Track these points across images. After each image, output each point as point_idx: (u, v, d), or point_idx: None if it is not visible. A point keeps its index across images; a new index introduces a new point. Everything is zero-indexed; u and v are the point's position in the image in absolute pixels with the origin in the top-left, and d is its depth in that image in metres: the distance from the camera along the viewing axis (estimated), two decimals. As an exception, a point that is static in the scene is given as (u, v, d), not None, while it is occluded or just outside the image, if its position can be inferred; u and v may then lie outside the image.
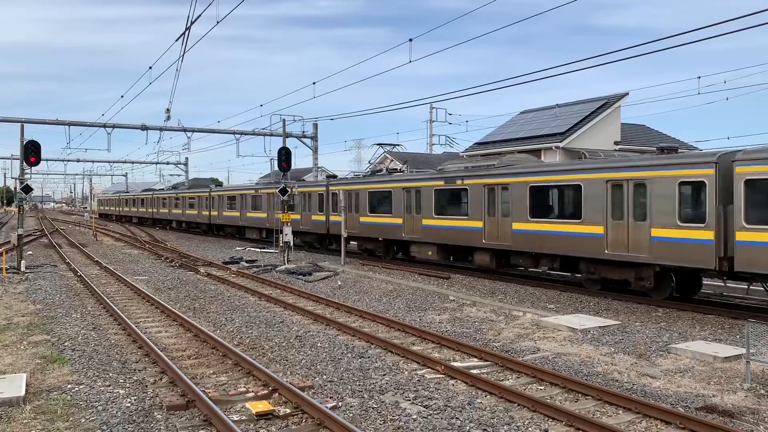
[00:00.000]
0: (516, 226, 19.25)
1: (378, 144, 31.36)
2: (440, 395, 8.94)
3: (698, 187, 14.57)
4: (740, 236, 13.53)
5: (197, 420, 7.92)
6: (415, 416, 8.07)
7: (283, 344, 12.20)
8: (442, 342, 12.10)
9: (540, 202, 18.62)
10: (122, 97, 32.71)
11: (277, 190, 28.18)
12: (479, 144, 35.39)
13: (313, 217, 31.32)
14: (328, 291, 19.22)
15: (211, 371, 10.23)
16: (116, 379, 9.70)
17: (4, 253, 24.46)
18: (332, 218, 29.38)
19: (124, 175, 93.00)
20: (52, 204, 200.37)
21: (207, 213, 46.50)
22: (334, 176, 33.58)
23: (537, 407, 8.28)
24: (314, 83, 28.00)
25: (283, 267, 24.67)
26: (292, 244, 26.56)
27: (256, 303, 17.09)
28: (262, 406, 8.26)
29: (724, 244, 14.03)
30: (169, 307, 15.51)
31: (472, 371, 9.91)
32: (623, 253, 15.98)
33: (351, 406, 8.50)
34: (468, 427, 7.70)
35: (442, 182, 22.67)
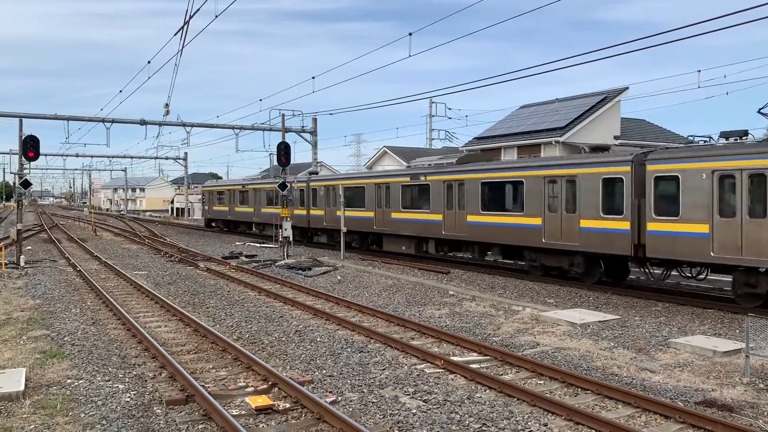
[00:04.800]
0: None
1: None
2: (440, 390, 8.94)
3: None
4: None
5: (197, 415, 7.91)
6: (414, 410, 8.07)
7: (283, 339, 12.20)
8: (441, 337, 12.10)
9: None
10: (121, 91, 32.53)
11: (274, 185, 28.13)
12: (479, 139, 35.35)
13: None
14: (327, 286, 19.23)
15: (211, 366, 10.23)
16: (116, 374, 9.70)
17: (3, 248, 24.44)
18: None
19: (123, 170, 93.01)
20: (51, 199, 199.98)
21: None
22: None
23: (536, 401, 8.28)
24: (313, 78, 27.92)
25: (282, 262, 24.66)
26: (291, 239, 26.55)
27: (256, 298, 17.09)
28: (262, 400, 8.25)
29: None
30: (168, 301, 15.52)
31: (471, 366, 9.92)
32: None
33: (350, 401, 8.50)
34: (467, 422, 7.70)
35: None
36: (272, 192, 35.77)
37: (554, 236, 17.91)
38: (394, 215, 25.10)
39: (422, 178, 23.48)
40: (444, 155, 28.70)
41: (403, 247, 25.06)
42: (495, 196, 20.36)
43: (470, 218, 21.09)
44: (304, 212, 31.77)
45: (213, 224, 49.13)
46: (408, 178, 24.37)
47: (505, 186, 20.06)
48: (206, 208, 50.15)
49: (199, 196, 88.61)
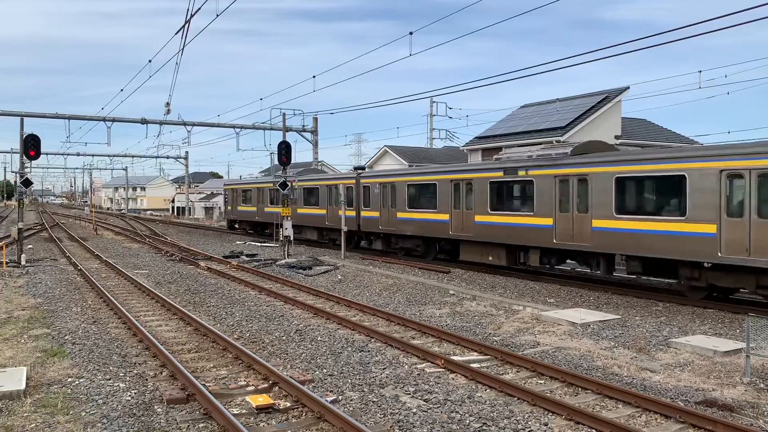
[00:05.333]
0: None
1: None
2: (440, 389, 8.95)
3: None
4: None
5: (197, 413, 7.93)
6: (415, 410, 8.08)
7: (284, 338, 12.21)
8: (442, 336, 12.11)
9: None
10: (122, 90, 32.63)
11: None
12: (480, 138, 35.36)
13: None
14: (328, 285, 19.23)
15: (212, 365, 10.24)
16: (116, 373, 9.72)
17: (4, 246, 24.46)
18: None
19: (124, 169, 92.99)
20: (52, 198, 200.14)
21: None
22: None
23: (537, 401, 8.29)
24: (314, 77, 27.93)
25: (283, 261, 24.67)
26: (291, 238, 26.58)
27: (256, 297, 17.10)
28: (263, 399, 8.27)
29: None
30: (169, 300, 15.53)
31: (472, 365, 9.92)
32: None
33: (351, 400, 8.51)
34: (468, 421, 7.71)
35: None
36: (313, 190, 31.47)
37: (737, 248, 13.68)
38: (479, 218, 20.99)
39: (521, 172, 19.46)
40: (545, 146, 23.38)
41: (490, 257, 21.07)
42: (637, 195, 16.18)
43: (597, 223, 16.76)
44: (354, 214, 27.89)
45: (236, 226, 44.29)
46: (500, 173, 20.36)
47: (654, 182, 15.78)
48: (229, 208, 44.85)
49: (200, 195, 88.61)
